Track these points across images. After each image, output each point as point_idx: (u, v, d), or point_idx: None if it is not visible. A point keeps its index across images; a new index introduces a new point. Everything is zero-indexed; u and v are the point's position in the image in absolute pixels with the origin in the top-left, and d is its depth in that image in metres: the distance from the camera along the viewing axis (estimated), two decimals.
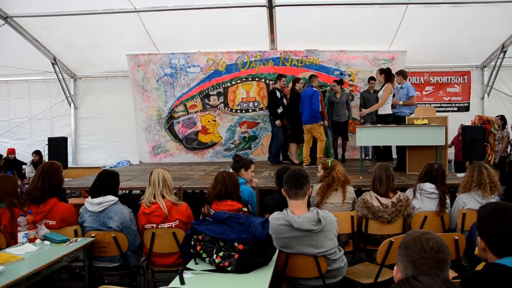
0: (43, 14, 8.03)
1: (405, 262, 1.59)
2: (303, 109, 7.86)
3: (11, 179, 3.96)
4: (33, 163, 9.78)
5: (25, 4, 7.75)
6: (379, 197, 4.01)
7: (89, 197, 3.84)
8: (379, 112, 7.33)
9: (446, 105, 10.23)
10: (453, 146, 8.79)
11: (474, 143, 6.87)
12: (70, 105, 10.75)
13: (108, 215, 3.73)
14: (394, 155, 8.04)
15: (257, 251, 2.70)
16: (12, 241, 3.54)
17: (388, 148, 7.97)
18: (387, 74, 7.25)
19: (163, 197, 3.76)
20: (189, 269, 2.69)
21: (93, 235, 3.61)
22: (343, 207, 4.30)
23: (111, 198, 3.78)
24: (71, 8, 7.91)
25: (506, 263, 1.83)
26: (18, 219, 3.35)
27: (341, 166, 4.48)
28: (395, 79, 7.34)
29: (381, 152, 7.93)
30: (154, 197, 3.75)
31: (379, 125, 7.03)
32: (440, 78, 10.23)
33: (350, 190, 4.44)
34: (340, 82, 8.84)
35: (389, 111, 7.20)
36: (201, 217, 3.68)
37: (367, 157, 8.75)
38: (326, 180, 4.34)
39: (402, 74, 7.35)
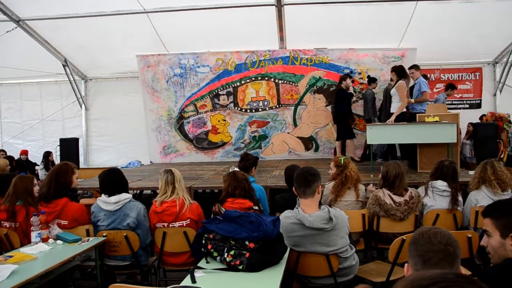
0: (54, 17, 8.12)
1: (415, 257, 1.62)
2: None
3: (28, 178, 4.04)
4: (45, 165, 9.87)
5: (36, 7, 7.84)
6: (391, 194, 3.98)
7: (102, 195, 3.87)
8: (391, 110, 7.28)
9: (457, 102, 10.11)
10: None
11: (487, 140, 6.80)
12: (81, 107, 10.85)
13: (125, 213, 3.77)
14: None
15: (268, 249, 2.70)
16: (25, 240, 3.59)
17: (392, 146, 7.85)
18: (397, 72, 7.18)
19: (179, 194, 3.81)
20: (200, 268, 2.70)
21: (104, 234, 3.64)
22: (356, 205, 4.29)
23: (126, 196, 3.83)
24: (81, 10, 7.98)
25: None
26: (31, 219, 3.40)
27: (353, 164, 4.45)
28: (412, 73, 7.22)
29: (386, 151, 7.87)
30: (177, 194, 3.79)
31: (390, 123, 6.98)
32: (451, 75, 10.11)
33: (362, 188, 4.42)
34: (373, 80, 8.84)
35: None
36: (212, 216, 3.68)
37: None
38: (339, 178, 4.31)
39: (415, 67, 7.27)
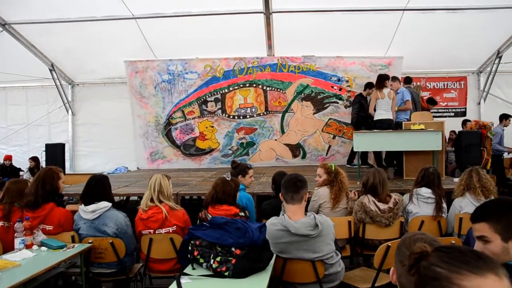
0: (41, 21, 8.05)
1: (397, 263, 1.62)
2: None
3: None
4: (30, 169, 9.75)
5: (24, 11, 7.77)
6: (376, 201, 4.02)
7: (82, 204, 3.82)
8: (375, 118, 7.37)
9: (442, 110, 10.27)
10: None
11: (471, 148, 6.90)
12: (67, 112, 10.75)
13: (103, 222, 3.71)
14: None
15: (254, 256, 2.70)
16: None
17: (379, 154, 7.88)
18: (377, 81, 7.29)
19: (160, 202, 3.75)
20: (186, 274, 2.69)
21: (90, 241, 3.61)
22: (346, 212, 4.32)
23: (104, 205, 3.75)
24: (69, 15, 7.93)
25: None
26: (15, 225, 3.36)
27: (343, 171, 4.50)
28: (391, 85, 7.34)
29: (377, 158, 7.91)
30: (152, 201, 3.75)
31: (376, 130, 7.04)
32: (437, 84, 10.28)
33: (349, 194, 4.46)
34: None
35: (380, 117, 7.22)
36: (198, 222, 3.68)
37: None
38: (336, 185, 4.33)
39: (398, 79, 7.39)
